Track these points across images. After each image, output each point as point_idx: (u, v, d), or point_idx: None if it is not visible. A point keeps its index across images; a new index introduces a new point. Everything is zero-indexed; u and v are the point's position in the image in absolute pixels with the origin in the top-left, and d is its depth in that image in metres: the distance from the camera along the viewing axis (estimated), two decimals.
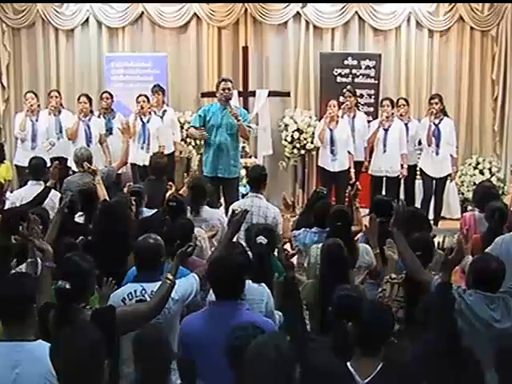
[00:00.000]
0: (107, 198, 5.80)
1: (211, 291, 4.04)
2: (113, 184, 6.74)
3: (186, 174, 6.26)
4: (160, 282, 3.62)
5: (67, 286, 3.12)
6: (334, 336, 3.33)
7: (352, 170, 8.78)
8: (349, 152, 8.79)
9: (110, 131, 8.74)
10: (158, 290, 3.49)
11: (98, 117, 8.85)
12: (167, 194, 5.93)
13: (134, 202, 5.63)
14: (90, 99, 8.65)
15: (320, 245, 4.76)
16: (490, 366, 3.17)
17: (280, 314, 4.17)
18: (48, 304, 3.19)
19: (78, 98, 8.69)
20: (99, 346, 2.46)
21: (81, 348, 2.41)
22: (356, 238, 5.50)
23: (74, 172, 7.30)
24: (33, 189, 6.36)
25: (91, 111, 8.64)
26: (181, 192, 6.21)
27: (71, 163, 8.15)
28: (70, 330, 2.56)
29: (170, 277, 3.50)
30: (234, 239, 4.62)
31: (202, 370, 3.43)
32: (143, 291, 3.68)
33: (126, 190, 6.34)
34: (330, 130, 8.70)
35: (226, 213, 6.15)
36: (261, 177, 6.10)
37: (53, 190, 6.17)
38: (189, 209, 5.69)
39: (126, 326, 3.31)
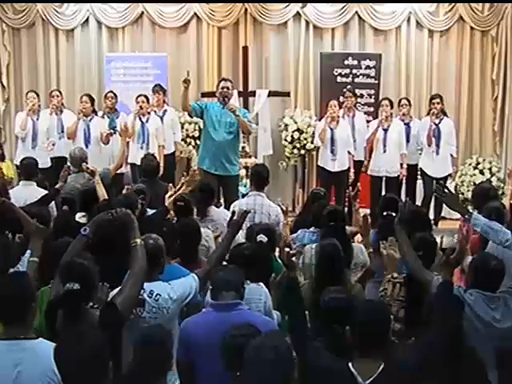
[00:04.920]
0: (106, 198, 5.80)
1: (209, 292, 4.06)
2: (109, 185, 6.72)
3: (186, 174, 6.24)
4: (160, 282, 3.72)
5: (75, 287, 3.11)
6: (325, 339, 3.32)
7: (352, 170, 8.80)
8: (349, 152, 8.80)
9: (113, 131, 8.73)
10: (135, 255, 3.49)
11: (102, 116, 8.87)
12: (167, 195, 5.91)
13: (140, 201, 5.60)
14: (92, 99, 8.64)
15: (314, 245, 4.76)
16: (491, 366, 3.17)
17: (278, 313, 4.17)
18: (56, 304, 3.18)
19: (80, 98, 8.67)
20: (103, 348, 2.46)
21: (85, 350, 2.41)
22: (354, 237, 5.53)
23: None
24: (25, 189, 6.35)
25: (94, 111, 8.64)
26: (180, 192, 6.21)
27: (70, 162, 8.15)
28: (74, 332, 2.56)
29: (138, 240, 3.54)
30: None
31: (203, 372, 3.42)
32: (141, 290, 3.68)
33: (124, 191, 6.32)
34: (331, 129, 8.71)
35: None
36: (263, 176, 6.12)
37: (41, 190, 6.16)
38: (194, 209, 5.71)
39: (132, 306, 3.40)
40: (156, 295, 3.69)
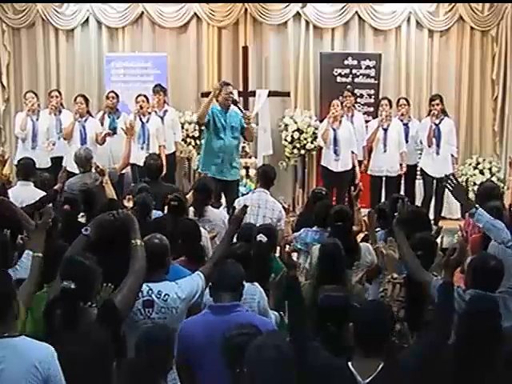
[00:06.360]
0: (115, 198, 5.79)
1: (206, 291, 4.05)
2: (114, 185, 6.72)
3: (196, 176, 6.28)
4: (167, 282, 3.73)
5: (72, 286, 3.11)
6: (321, 338, 3.32)
7: (357, 170, 8.81)
8: (352, 152, 8.81)
9: (114, 131, 8.74)
10: (135, 255, 3.51)
11: (103, 116, 8.85)
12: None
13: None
14: (86, 100, 8.63)
15: None
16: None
17: (276, 313, 4.16)
18: (52, 302, 3.18)
19: (75, 99, 8.68)
20: (106, 348, 2.46)
21: (87, 350, 2.41)
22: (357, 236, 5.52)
23: (70, 172, 7.28)
24: (22, 189, 6.34)
25: (88, 112, 8.63)
26: (188, 196, 6.21)
27: (66, 162, 8.14)
28: (77, 332, 2.55)
29: (139, 241, 3.57)
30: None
31: (202, 371, 3.42)
32: (150, 291, 3.68)
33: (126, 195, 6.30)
34: (334, 129, 8.72)
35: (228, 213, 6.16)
36: (270, 176, 6.22)
37: (39, 190, 6.16)
38: (192, 210, 5.71)
39: (130, 304, 3.41)
40: (164, 295, 3.69)
